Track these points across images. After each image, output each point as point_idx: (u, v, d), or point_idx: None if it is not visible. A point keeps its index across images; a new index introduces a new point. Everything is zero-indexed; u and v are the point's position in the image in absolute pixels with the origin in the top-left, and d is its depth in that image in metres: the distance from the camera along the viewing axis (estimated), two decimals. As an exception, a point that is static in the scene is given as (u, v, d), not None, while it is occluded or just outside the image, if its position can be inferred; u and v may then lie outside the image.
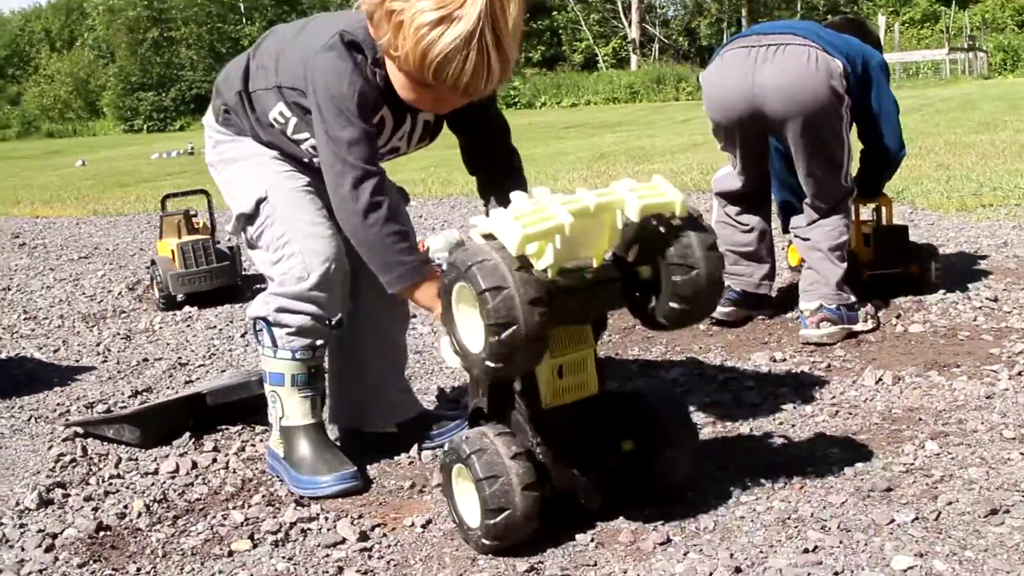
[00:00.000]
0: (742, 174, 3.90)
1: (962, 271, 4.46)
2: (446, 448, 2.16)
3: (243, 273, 5.42)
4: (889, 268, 4.09)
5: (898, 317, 3.76)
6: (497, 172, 2.51)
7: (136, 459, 2.83)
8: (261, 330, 2.53)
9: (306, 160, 2.54)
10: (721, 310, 3.86)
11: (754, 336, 3.74)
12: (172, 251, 5.09)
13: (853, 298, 3.65)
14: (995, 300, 3.90)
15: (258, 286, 5.32)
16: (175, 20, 51.32)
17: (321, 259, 2.44)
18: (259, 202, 2.50)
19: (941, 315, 3.77)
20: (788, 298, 4.08)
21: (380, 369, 2.81)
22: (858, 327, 3.61)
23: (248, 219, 2.52)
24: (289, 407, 2.55)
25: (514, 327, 1.84)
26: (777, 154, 3.93)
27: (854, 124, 3.78)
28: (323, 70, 2.25)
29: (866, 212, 4.24)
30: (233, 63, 2.60)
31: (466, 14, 2.00)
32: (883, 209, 4.21)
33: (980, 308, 3.81)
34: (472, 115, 2.43)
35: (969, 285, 4.14)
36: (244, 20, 51.48)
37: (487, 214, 2.34)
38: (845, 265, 3.67)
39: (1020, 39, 38.55)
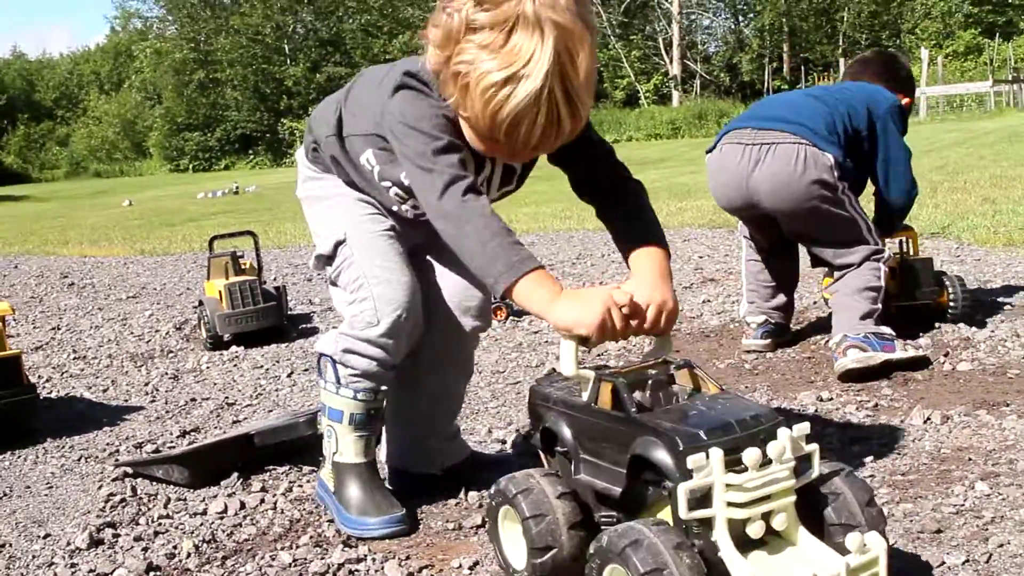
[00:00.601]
0: (763, 242, 4.16)
1: (1010, 308, 4.42)
2: (492, 490, 2.14)
3: (289, 313, 5.47)
4: (916, 300, 4.15)
5: (946, 355, 3.73)
6: (609, 197, 2.37)
7: (185, 499, 2.86)
8: (326, 364, 2.55)
9: (395, 208, 2.54)
10: (758, 343, 4.09)
11: (800, 375, 3.72)
12: (219, 292, 5.14)
13: (885, 329, 3.67)
14: (1045, 337, 3.86)
15: (304, 326, 5.38)
16: (220, 62, 51.97)
17: (392, 307, 2.44)
18: (337, 244, 2.53)
19: (990, 353, 3.73)
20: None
21: (432, 418, 2.81)
22: (896, 356, 3.60)
23: (327, 260, 2.57)
24: (344, 444, 2.56)
25: None
26: None
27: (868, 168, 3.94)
28: (395, 108, 2.23)
29: (892, 245, 4.26)
30: (326, 105, 2.61)
31: (533, 72, 1.94)
32: (908, 241, 4.28)
33: (1029, 345, 3.77)
34: (571, 147, 2.29)
35: (1018, 322, 4.10)
36: (288, 61, 52.07)
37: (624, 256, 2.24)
38: (872, 305, 3.71)
39: (1066, 71, 38.22)
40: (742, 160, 3.80)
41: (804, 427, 1.83)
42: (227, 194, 22.69)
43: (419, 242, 2.64)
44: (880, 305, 3.73)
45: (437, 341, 2.70)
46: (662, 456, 1.77)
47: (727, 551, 1.71)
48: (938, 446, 2.82)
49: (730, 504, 1.71)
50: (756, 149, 3.78)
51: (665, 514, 1.83)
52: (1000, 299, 4.63)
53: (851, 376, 3.55)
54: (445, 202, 2.10)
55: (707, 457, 1.72)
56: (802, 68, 44.53)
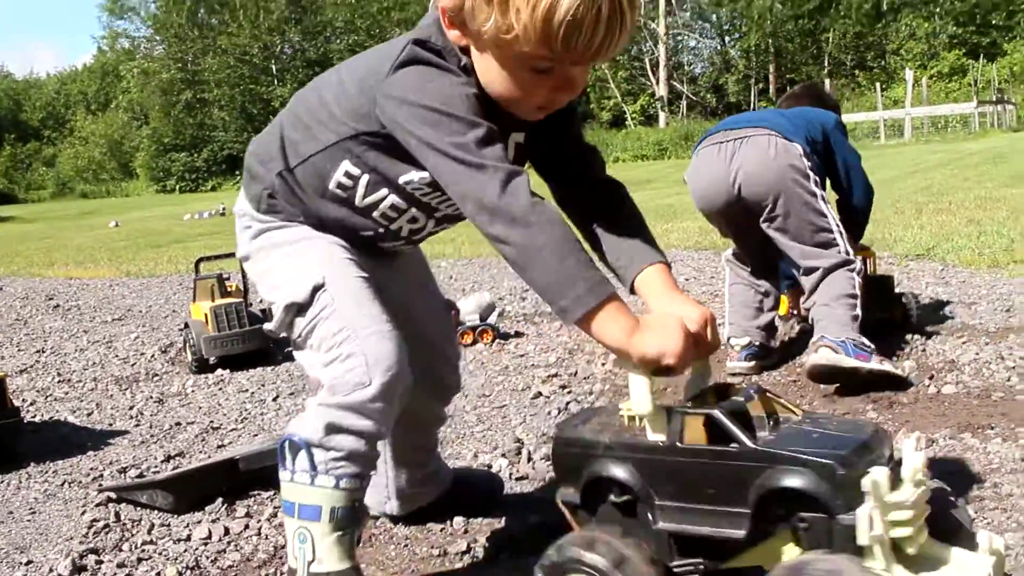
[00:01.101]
0: (747, 254, 4.24)
1: (995, 330, 4.43)
2: (548, 563, 1.85)
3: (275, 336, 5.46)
4: (876, 313, 4.28)
5: (931, 378, 3.74)
6: (599, 204, 2.11)
7: (169, 525, 2.84)
8: (293, 450, 2.05)
9: (381, 230, 2.19)
10: (743, 364, 4.13)
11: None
12: (205, 314, 5.13)
13: (865, 340, 3.71)
14: (1029, 359, 3.86)
15: (290, 349, 5.35)
16: (208, 82, 52.15)
17: (385, 364, 1.99)
18: (315, 289, 2.06)
19: (974, 376, 3.74)
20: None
21: (411, 466, 2.63)
22: (868, 366, 3.61)
23: (299, 310, 2.08)
24: (323, 549, 2.04)
25: None
26: None
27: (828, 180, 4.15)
28: (410, 86, 1.88)
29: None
30: (261, 141, 2.23)
31: None
32: (868, 261, 4.56)
33: (1014, 368, 3.77)
34: (556, 133, 2.10)
35: (1002, 344, 4.11)
36: (276, 82, 52.17)
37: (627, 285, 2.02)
38: (853, 312, 3.79)
39: (1049, 91, 38.53)
40: (719, 156, 3.99)
41: (918, 437, 1.76)
42: (214, 215, 22.70)
43: (388, 287, 2.28)
44: (860, 312, 3.79)
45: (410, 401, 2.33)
46: (814, 485, 1.66)
47: (899, 572, 1.64)
48: (923, 470, 2.81)
49: (894, 524, 1.64)
50: (731, 144, 3.98)
51: (789, 550, 1.73)
52: (984, 321, 4.64)
53: (817, 374, 3.64)
54: (509, 203, 1.78)
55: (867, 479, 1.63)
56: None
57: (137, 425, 4.09)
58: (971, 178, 13.49)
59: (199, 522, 2.83)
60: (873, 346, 3.71)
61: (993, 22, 47.95)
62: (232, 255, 5.78)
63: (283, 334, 2.15)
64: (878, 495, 1.62)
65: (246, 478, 3.04)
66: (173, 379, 4.96)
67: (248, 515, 2.86)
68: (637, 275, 1.99)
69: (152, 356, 5.55)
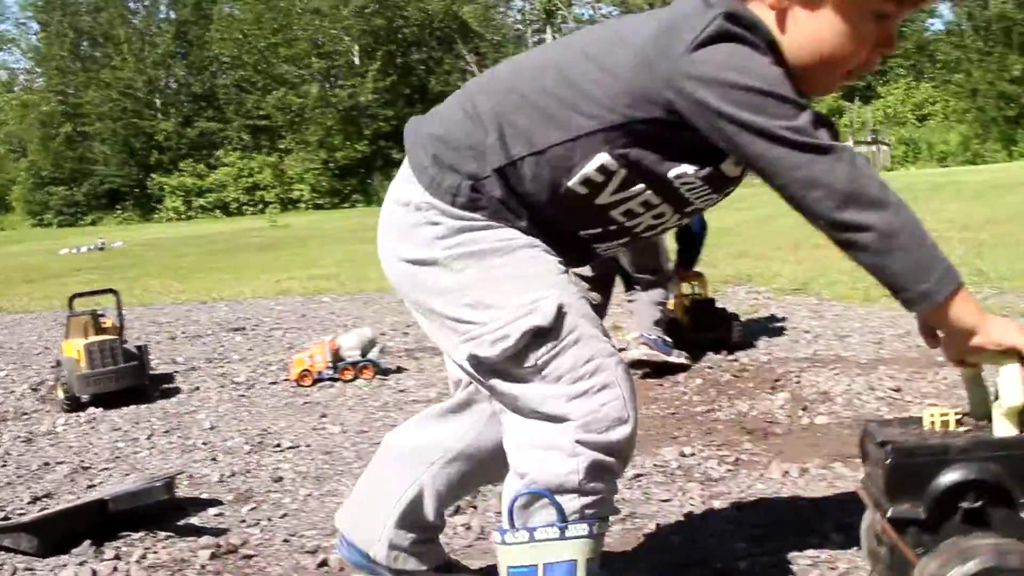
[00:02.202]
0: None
1: (866, 362, 4.55)
2: None
3: (151, 373, 5.33)
4: (702, 331, 5.08)
5: (804, 409, 3.82)
6: None
7: (33, 569, 2.74)
8: (526, 503, 1.76)
9: (613, 228, 1.89)
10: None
11: (664, 431, 3.76)
12: (79, 351, 4.98)
13: (668, 339, 4.64)
14: (898, 390, 3.97)
15: (166, 386, 5.24)
16: (89, 115, 51.04)
17: (635, 400, 1.79)
18: (560, 311, 1.75)
19: (846, 406, 3.83)
20: (702, 396, 4.14)
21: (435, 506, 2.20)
22: (672, 359, 4.56)
23: (539, 336, 1.74)
24: None
25: None
26: None
27: None
28: (725, 64, 1.65)
29: (688, 288, 5.31)
30: (451, 124, 1.86)
31: None
32: (698, 286, 5.32)
33: (884, 398, 3.88)
34: None
35: (873, 376, 4.22)
36: (159, 115, 51.39)
37: None
38: (662, 316, 4.72)
39: (920, 132, 40.04)
40: None
41: None
42: (92, 250, 22.17)
43: None
44: (665, 316, 4.74)
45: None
46: None
47: None
48: (796, 499, 2.87)
49: None
50: None
51: None
52: (856, 353, 4.76)
53: (638, 365, 4.44)
54: (865, 185, 1.64)
55: None
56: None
57: (3, 465, 3.95)
58: (846, 215, 13.89)
59: (64, 565, 2.73)
60: (672, 341, 4.63)
61: (867, 65, 49.60)
62: (106, 291, 5.68)
63: (507, 363, 1.77)
64: None
65: (116, 519, 2.95)
66: (43, 418, 4.80)
67: (117, 557, 2.77)
68: None
69: (21, 394, 5.37)
